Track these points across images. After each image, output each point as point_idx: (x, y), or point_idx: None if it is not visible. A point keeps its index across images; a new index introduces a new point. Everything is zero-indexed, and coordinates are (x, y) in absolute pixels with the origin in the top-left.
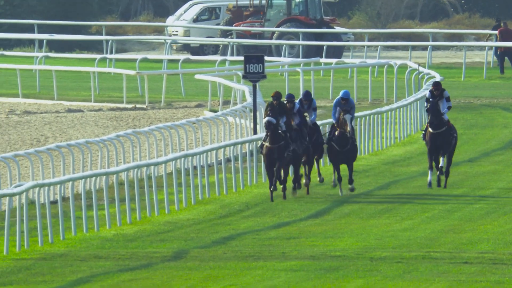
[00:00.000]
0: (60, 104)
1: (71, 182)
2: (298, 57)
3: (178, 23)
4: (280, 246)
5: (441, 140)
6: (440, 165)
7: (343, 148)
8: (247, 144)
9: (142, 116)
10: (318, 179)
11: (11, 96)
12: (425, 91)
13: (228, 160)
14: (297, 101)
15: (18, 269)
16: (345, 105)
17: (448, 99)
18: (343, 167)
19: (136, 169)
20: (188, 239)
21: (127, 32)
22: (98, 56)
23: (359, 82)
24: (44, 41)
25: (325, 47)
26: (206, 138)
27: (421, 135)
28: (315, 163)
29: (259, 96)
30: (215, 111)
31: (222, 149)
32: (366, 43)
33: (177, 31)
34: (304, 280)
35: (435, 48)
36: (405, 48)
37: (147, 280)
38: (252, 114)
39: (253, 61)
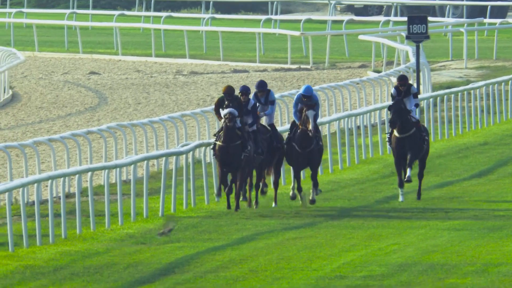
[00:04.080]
0: (226, 64)
1: None
2: (461, 17)
3: None
4: (443, 205)
5: (409, 145)
6: (407, 175)
7: (305, 149)
8: None
9: (306, 77)
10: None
11: (179, 57)
12: None
13: None
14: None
15: (185, 227)
16: (307, 102)
17: (415, 96)
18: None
19: None
20: (351, 198)
21: None
22: (263, 17)
23: None
24: (211, 2)
25: (489, 7)
26: (369, 98)
27: (387, 139)
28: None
29: (423, 56)
30: (378, 72)
31: (386, 109)
32: None
33: None
34: (467, 239)
35: None
36: None
37: (311, 239)
38: (415, 74)
39: (417, 21)
